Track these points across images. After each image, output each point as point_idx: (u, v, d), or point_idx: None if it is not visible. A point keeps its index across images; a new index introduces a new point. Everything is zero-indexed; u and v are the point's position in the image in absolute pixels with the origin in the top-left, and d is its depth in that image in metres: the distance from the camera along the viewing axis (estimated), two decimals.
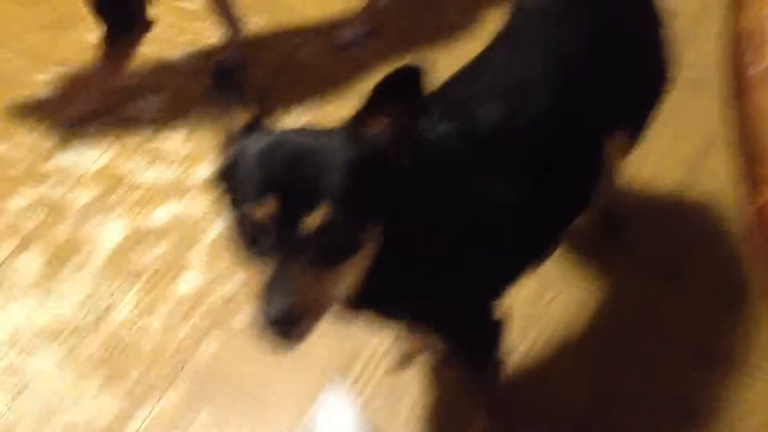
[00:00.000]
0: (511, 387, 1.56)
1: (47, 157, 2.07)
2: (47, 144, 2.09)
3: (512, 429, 1.51)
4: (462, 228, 1.11)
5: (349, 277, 0.93)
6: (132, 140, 2.09)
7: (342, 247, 0.90)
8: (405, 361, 1.61)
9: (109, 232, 1.90)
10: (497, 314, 1.28)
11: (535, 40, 1.28)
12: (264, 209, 0.87)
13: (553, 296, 1.69)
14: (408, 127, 0.94)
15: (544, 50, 1.25)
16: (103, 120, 2.13)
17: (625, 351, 1.62)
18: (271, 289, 0.87)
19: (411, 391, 1.59)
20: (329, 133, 0.93)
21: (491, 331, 1.30)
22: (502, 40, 1.32)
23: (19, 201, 1.98)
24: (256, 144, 0.92)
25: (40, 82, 2.24)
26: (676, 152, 1.91)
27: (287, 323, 0.87)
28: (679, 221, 1.81)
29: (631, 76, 1.36)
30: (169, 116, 2.14)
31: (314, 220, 0.86)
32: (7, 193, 1.99)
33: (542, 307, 1.68)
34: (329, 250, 0.88)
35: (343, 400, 1.47)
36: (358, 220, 0.90)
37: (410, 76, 0.89)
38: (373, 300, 1.08)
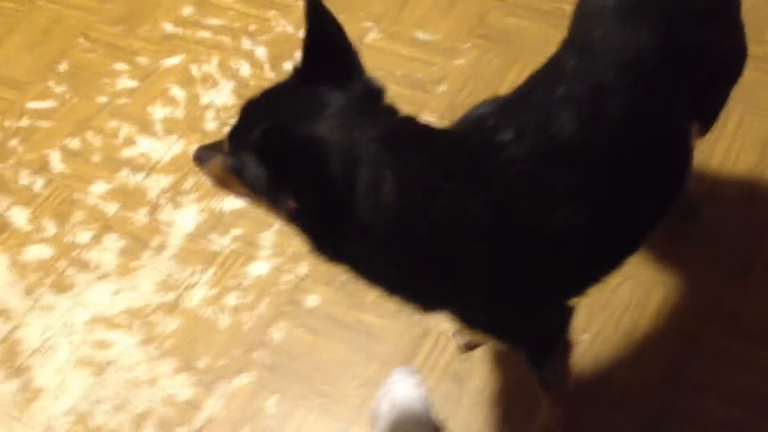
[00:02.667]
0: (576, 374, 1.57)
1: (124, 145, 2.14)
2: (124, 132, 2.16)
3: (578, 416, 1.52)
4: (542, 248, 1.11)
5: (244, 197, 1.15)
6: (206, 127, 2.14)
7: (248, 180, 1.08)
8: (469, 347, 1.63)
9: (185, 218, 1.97)
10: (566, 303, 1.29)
11: (604, 44, 1.21)
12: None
13: (620, 282, 1.69)
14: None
15: (614, 54, 1.19)
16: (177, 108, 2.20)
17: (693, 339, 1.61)
18: (206, 147, 1.21)
19: (476, 377, 1.61)
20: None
21: (559, 319, 1.30)
22: (568, 47, 1.26)
23: (98, 187, 2.06)
24: None
25: (117, 72, 2.32)
26: (746, 136, 1.87)
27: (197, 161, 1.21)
28: (752, 208, 1.78)
29: (707, 66, 1.31)
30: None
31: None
32: (89, 180, 2.07)
33: (609, 293, 1.68)
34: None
35: (407, 386, 1.50)
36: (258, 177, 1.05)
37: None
38: (446, 303, 1.17)
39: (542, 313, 1.24)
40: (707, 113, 1.48)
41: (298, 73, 1.08)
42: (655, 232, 1.30)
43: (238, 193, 1.15)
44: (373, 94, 1.07)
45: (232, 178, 1.11)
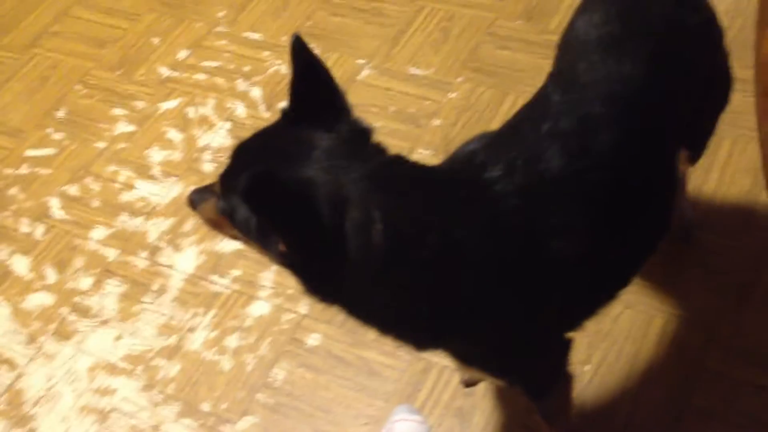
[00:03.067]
0: (579, 405, 1.57)
1: (123, 189, 2.16)
2: (123, 176, 2.18)
3: None
4: (533, 283, 1.12)
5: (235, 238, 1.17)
6: (203, 169, 2.16)
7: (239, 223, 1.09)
8: (470, 383, 1.63)
9: (185, 260, 1.98)
10: (563, 336, 1.29)
11: (588, 77, 1.21)
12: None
13: (620, 312, 1.69)
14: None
15: (599, 86, 1.19)
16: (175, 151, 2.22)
17: (695, 366, 1.60)
18: (199, 190, 1.22)
19: (479, 413, 1.60)
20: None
21: (556, 353, 1.31)
22: (553, 81, 1.26)
23: (98, 233, 2.07)
24: None
25: (115, 117, 2.34)
26: (739, 161, 1.88)
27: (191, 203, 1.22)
28: (748, 232, 1.78)
29: (693, 94, 1.33)
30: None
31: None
32: (89, 226, 2.09)
33: (609, 323, 1.68)
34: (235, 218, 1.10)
35: (410, 424, 1.50)
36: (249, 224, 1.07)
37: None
38: (440, 341, 1.18)
39: (538, 347, 1.24)
40: (696, 141, 1.49)
41: (287, 115, 1.10)
42: (649, 261, 1.31)
43: (231, 236, 1.16)
44: (361, 134, 1.08)
45: (224, 221, 1.12)
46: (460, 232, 1.05)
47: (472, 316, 1.10)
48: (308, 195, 0.99)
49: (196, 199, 1.20)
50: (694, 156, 1.53)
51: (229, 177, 1.10)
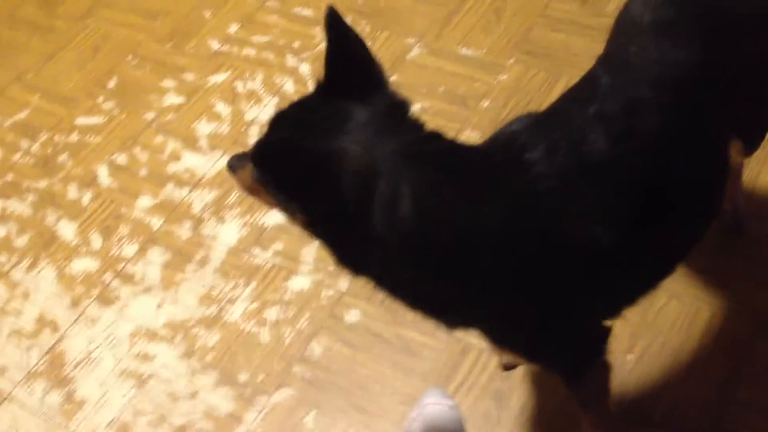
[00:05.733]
0: (620, 393, 1.54)
1: (170, 160, 2.17)
2: (170, 147, 2.19)
3: None
4: (568, 267, 1.09)
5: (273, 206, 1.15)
6: (250, 143, 2.16)
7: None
8: (509, 366, 1.61)
9: (228, 232, 1.98)
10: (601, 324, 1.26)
11: (639, 60, 1.18)
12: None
13: (665, 303, 1.65)
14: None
15: (649, 70, 1.16)
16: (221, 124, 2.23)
17: (742, 359, 1.56)
18: (239, 156, 1.20)
19: (516, 396, 1.58)
20: None
21: (593, 340, 1.27)
22: (603, 63, 1.23)
23: (144, 201, 2.09)
24: None
25: (164, 88, 2.35)
26: None
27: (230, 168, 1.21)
28: None
29: (748, 82, 1.28)
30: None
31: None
32: (135, 194, 2.10)
33: (654, 313, 1.64)
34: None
35: (441, 408, 1.48)
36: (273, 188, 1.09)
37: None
38: (469, 321, 1.17)
39: (574, 333, 1.21)
40: (750, 131, 1.45)
41: (322, 87, 1.09)
42: (698, 250, 1.27)
43: (269, 204, 1.15)
44: (398, 108, 1.06)
45: (260, 188, 1.12)
46: (489, 212, 1.03)
47: (502, 297, 1.08)
48: (331, 166, 0.98)
49: (234, 165, 1.20)
50: (749, 147, 1.48)
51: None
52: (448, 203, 1.01)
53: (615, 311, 1.25)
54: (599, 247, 1.07)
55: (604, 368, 1.34)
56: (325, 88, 1.08)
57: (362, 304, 1.78)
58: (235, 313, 1.83)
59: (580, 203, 1.07)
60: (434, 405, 1.48)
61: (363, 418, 1.62)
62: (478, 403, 1.59)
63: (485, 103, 2.09)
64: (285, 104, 1.12)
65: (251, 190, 1.17)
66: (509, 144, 1.12)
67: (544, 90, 2.09)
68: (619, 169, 1.09)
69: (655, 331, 1.63)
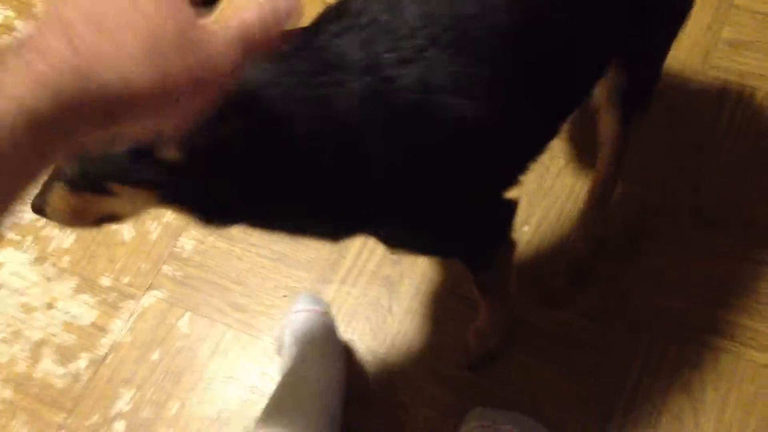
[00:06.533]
0: (517, 268, 1.43)
1: None
2: None
3: (523, 319, 1.40)
4: (444, 142, 0.94)
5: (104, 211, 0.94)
6: None
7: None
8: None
9: None
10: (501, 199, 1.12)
11: None
12: None
13: (562, 166, 1.54)
14: None
15: None
16: None
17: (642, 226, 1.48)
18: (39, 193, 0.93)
19: (407, 282, 1.46)
20: None
21: (496, 219, 1.14)
22: None
23: None
24: None
25: None
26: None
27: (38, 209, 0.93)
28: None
29: None
30: None
31: None
32: None
33: (550, 179, 1.53)
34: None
35: (311, 315, 1.34)
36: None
37: None
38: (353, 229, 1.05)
39: (473, 216, 1.08)
40: (633, 72, 1.24)
41: None
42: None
43: (100, 209, 0.93)
44: None
45: (86, 196, 0.90)
46: (345, 95, 0.86)
47: (386, 196, 0.94)
48: None
49: (40, 202, 0.92)
50: (629, 104, 1.30)
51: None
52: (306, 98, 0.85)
53: (508, 180, 1.12)
54: (468, 118, 0.93)
55: (509, 248, 1.22)
56: None
57: None
58: None
59: (437, 74, 0.90)
60: (304, 312, 1.35)
61: (243, 316, 1.48)
62: (368, 290, 1.47)
63: None
64: None
65: (75, 212, 0.93)
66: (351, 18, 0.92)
67: None
68: (478, 40, 0.93)
69: (551, 198, 1.52)
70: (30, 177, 0.50)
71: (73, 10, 0.49)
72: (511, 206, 1.14)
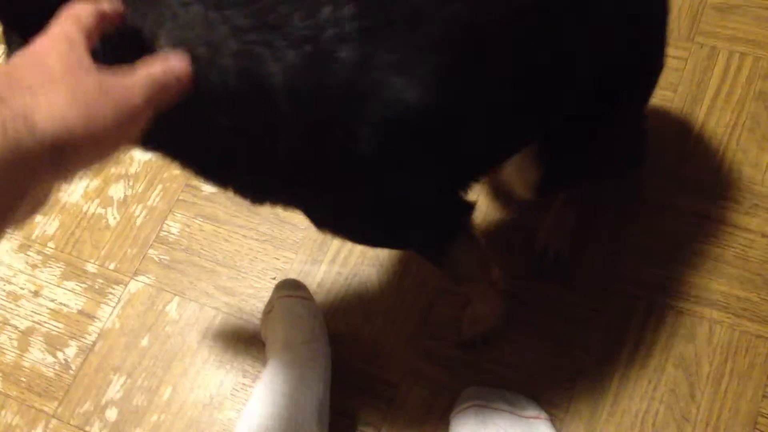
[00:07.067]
0: (506, 245, 1.42)
1: None
2: None
3: (514, 294, 1.39)
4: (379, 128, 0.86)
5: None
6: None
7: None
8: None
9: None
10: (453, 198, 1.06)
11: None
12: None
13: None
14: None
15: None
16: None
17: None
18: None
19: (399, 263, 1.45)
20: None
21: (447, 214, 1.08)
22: None
23: None
24: None
25: None
26: None
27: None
28: None
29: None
30: None
31: None
32: None
33: None
34: None
35: (292, 301, 1.32)
36: None
37: None
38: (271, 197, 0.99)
39: (418, 207, 1.01)
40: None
41: None
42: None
43: None
44: None
45: None
46: (274, 67, 0.81)
47: (303, 171, 0.89)
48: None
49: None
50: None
51: None
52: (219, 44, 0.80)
53: (464, 181, 1.06)
54: (409, 104, 0.85)
55: (465, 240, 1.15)
56: None
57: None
58: (74, 194, 1.60)
59: (381, 56, 0.83)
60: (286, 299, 1.33)
61: (232, 300, 1.46)
62: (357, 270, 1.45)
63: None
64: None
65: None
66: None
67: None
68: (430, 20, 0.85)
69: None
70: None
71: (5, 84, 0.59)
72: (465, 206, 1.07)
